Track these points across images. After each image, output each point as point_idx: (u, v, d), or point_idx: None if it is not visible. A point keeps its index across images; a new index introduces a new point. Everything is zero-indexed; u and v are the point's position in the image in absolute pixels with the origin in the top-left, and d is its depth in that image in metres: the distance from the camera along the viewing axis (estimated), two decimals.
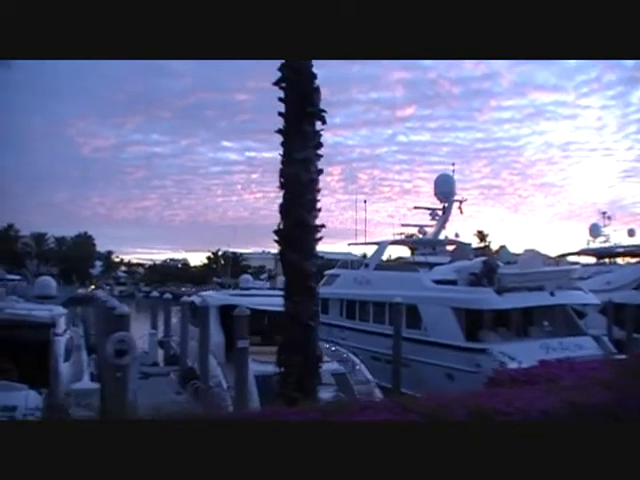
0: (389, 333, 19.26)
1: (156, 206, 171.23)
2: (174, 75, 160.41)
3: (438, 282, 18.22)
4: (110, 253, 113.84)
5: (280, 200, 7.98)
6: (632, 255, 26.46)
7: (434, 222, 22.97)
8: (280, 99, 8.03)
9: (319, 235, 8.06)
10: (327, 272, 28.06)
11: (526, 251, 17.95)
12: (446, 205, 22.60)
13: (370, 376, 14.77)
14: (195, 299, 19.81)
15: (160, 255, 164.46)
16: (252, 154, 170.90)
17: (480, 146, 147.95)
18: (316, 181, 8.00)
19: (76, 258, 76.07)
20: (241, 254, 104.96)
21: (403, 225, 23.63)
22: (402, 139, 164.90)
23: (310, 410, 4.27)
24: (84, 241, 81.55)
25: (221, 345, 15.21)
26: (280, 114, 8.02)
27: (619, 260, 27.76)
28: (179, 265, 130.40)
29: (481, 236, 70.74)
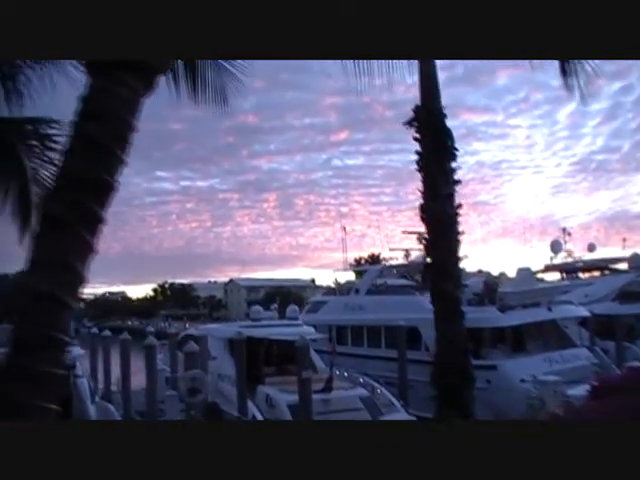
0: (386, 356, 19.76)
1: None
2: None
3: None
4: None
5: (424, 233, 8.37)
6: (595, 269, 28.18)
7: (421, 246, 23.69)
8: (415, 139, 8.54)
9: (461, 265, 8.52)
10: (311, 299, 28.35)
11: (520, 270, 18.99)
12: None
13: (393, 398, 15.18)
14: (194, 332, 19.71)
15: (96, 289, 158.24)
16: (187, 183, 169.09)
17: (414, 168, 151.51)
18: (458, 214, 8.50)
19: None
20: (190, 285, 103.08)
21: (391, 249, 24.34)
22: (337, 163, 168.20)
23: None
24: None
25: (234, 377, 15.18)
26: (417, 152, 8.52)
27: (580, 275, 29.37)
28: (119, 298, 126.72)
29: None
